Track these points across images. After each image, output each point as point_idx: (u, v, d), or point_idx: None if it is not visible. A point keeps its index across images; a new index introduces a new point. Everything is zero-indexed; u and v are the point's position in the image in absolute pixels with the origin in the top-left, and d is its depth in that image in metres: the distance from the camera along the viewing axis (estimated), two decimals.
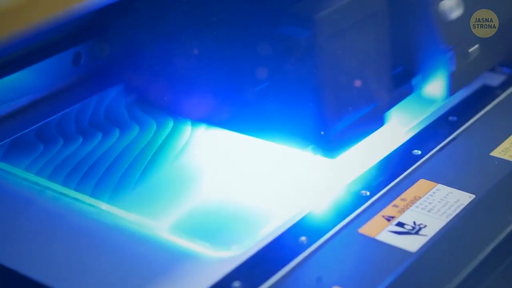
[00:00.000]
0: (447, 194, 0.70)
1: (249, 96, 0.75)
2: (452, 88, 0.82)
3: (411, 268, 0.61)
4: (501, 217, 0.67)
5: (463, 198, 0.69)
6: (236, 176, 0.76)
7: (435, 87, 0.82)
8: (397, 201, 0.69)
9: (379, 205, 0.69)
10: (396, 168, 0.74)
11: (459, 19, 0.81)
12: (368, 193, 0.70)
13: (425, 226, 0.65)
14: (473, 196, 0.69)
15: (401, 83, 0.81)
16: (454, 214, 0.67)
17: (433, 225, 0.66)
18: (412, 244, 0.63)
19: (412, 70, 0.83)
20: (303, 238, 0.65)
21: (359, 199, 0.70)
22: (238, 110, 0.77)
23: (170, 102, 0.81)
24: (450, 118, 0.82)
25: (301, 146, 0.74)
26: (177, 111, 0.82)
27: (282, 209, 0.70)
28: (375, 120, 0.77)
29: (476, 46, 0.82)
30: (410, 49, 0.82)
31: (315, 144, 0.74)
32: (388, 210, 0.68)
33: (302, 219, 0.68)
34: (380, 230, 0.65)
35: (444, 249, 0.64)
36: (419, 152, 0.76)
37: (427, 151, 0.77)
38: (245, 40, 0.74)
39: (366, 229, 0.66)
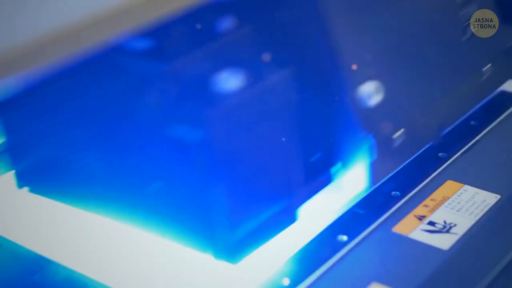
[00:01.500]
0: (474, 195, 0.69)
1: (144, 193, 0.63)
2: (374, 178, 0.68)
3: (445, 265, 0.61)
4: None
5: (490, 199, 0.69)
6: None
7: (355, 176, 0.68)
8: (427, 201, 0.69)
9: (410, 205, 0.69)
10: (424, 170, 0.74)
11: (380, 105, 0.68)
12: (399, 194, 0.70)
13: (455, 225, 0.65)
14: (499, 197, 0.69)
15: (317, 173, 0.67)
16: (482, 213, 0.67)
17: (463, 224, 0.65)
18: (444, 242, 0.63)
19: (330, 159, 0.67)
20: (341, 237, 0.65)
21: (390, 200, 0.70)
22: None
23: None
24: (472, 122, 0.81)
25: (200, 249, 0.61)
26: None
27: None
28: (286, 218, 0.63)
29: (402, 131, 0.69)
30: (328, 137, 0.67)
31: (215, 249, 0.59)
32: (420, 210, 0.68)
33: (340, 218, 0.67)
34: (412, 228, 0.65)
35: (475, 247, 0.63)
36: (445, 155, 0.76)
37: (452, 154, 0.76)
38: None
39: (400, 228, 0.66)
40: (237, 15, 0.62)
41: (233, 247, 0.59)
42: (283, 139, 0.60)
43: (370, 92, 0.66)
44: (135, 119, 0.60)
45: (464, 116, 0.82)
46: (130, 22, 0.46)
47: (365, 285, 0.59)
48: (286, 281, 0.60)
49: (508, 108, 0.84)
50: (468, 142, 0.78)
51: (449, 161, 0.75)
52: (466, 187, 0.70)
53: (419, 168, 0.74)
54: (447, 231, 0.65)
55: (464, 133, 0.80)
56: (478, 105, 0.84)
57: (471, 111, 0.83)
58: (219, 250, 0.59)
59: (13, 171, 0.72)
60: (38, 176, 0.71)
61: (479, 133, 0.80)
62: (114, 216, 0.65)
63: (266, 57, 0.62)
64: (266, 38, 0.63)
